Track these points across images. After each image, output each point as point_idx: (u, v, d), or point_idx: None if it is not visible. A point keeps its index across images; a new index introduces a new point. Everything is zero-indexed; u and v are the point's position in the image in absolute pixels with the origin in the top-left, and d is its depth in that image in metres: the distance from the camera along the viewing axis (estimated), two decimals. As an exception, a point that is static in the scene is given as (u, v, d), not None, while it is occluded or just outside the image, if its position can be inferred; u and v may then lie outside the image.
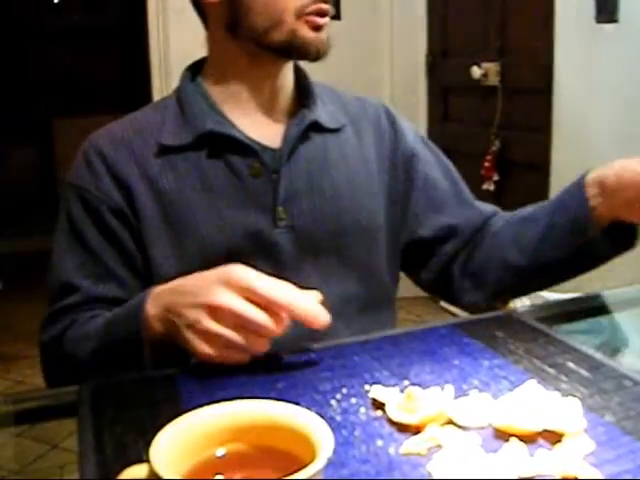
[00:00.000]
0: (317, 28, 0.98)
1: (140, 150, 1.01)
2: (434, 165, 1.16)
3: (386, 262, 1.11)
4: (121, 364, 0.83)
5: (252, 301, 0.76)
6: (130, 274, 1.00)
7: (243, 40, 1.01)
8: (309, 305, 0.78)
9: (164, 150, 1.01)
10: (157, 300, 0.84)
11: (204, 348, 0.78)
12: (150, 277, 0.99)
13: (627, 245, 1.00)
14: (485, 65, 3.15)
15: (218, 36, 1.04)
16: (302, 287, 1.01)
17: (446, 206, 1.13)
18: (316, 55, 1.00)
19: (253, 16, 0.98)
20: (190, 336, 0.79)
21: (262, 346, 0.78)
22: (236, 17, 0.99)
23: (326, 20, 0.99)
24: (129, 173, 1.00)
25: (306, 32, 0.97)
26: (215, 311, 0.77)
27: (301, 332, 0.99)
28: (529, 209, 1.09)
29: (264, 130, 1.04)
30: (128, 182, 0.99)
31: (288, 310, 0.77)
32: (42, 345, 0.98)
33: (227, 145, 1.01)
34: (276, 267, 1.01)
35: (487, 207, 1.16)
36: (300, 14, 0.97)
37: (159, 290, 0.86)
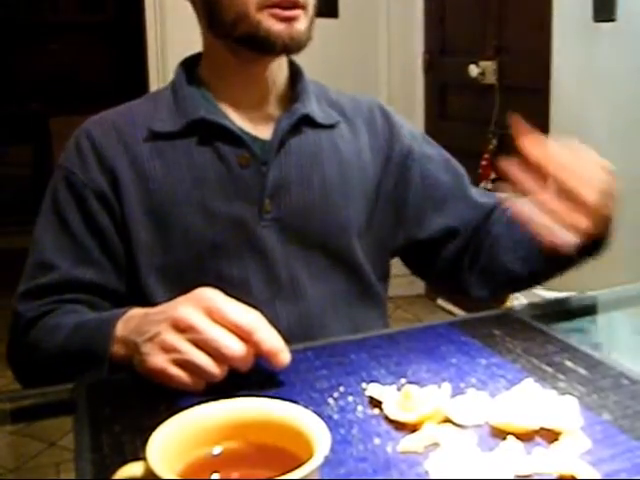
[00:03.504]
0: (286, 20, 0.95)
1: (130, 135, 1.02)
2: (434, 160, 1.14)
3: (371, 261, 1.10)
4: (78, 369, 0.83)
5: (218, 323, 0.73)
6: (108, 260, 1.00)
7: (221, 36, 1.01)
8: (274, 338, 0.73)
9: (154, 136, 1.01)
10: (127, 322, 0.83)
11: (157, 360, 0.74)
12: (132, 264, 0.99)
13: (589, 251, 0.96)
14: (483, 64, 3.15)
15: (205, 33, 1.05)
16: (289, 280, 1.02)
17: (447, 204, 1.12)
18: (283, 47, 0.97)
19: (222, 11, 0.98)
20: (147, 349, 0.75)
21: (218, 371, 0.72)
22: (211, 14, 1.00)
23: (295, 12, 0.96)
24: (116, 157, 1.00)
25: (271, 24, 0.95)
26: (177, 325, 0.74)
27: (295, 329, 1.00)
28: None
29: (256, 123, 1.04)
30: (114, 166, 1.00)
31: (250, 335, 0.72)
32: (16, 315, 0.98)
33: (217, 134, 1.01)
34: (262, 260, 1.01)
35: (488, 200, 1.13)
36: (262, 6, 0.95)
37: (132, 313, 0.84)
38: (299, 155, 1.04)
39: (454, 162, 1.17)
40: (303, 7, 0.97)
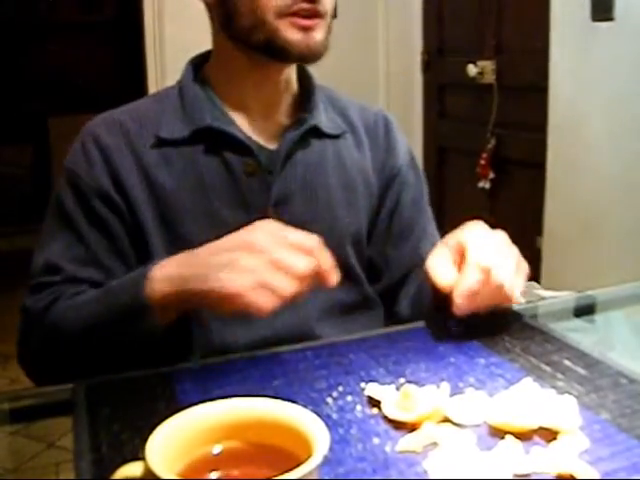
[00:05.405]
0: (305, 29, 0.95)
1: (137, 139, 1.01)
2: (410, 190, 1.13)
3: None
4: (113, 337, 0.83)
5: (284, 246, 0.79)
6: (117, 261, 0.98)
7: (236, 40, 1.00)
8: (328, 257, 0.80)
9: (161, 143, 1.00)
10: (169, 265, 0.84)
11: (240, 283, 0.76)
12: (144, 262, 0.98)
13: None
14: (481, 63, 3.15)
15: (218, 34, 1.04)
16: None
17: (402, 239, 1.11)
18: (300, 57, 0.97)
19: (239, 16, 0.97)
20: (225, 276, 0.77)
21: (293, 289, 0.76)
22: (227, 17, 0.99)
23: (315, 22, 0.95)
24: (123, 161, 0.99)
25: (290, 33, 0.94)
26: (252, 249, 0.77)
27: (290, 336, 0.99)
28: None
29: (263, 130, 1.04)
30: (121, 170, 0.99)
31: (312, 253, 0.78)
32: (25, 310, 0.96)
33: (224, 142, 1.00)
34: None
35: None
36: (282, 14, 0.94)
37: (169, 259, 0.85)
38: (304, 166, 1.04)
39: (426, 198, 1.16)
40: (322, 16, 0.96)
